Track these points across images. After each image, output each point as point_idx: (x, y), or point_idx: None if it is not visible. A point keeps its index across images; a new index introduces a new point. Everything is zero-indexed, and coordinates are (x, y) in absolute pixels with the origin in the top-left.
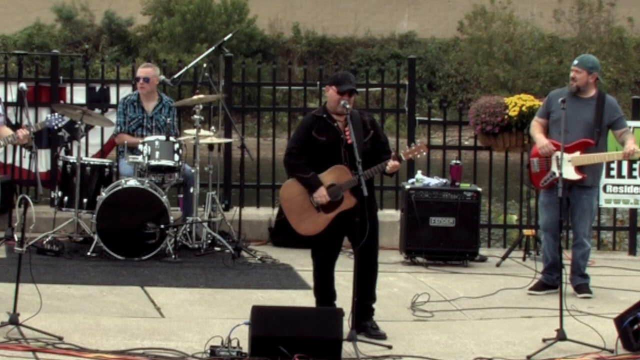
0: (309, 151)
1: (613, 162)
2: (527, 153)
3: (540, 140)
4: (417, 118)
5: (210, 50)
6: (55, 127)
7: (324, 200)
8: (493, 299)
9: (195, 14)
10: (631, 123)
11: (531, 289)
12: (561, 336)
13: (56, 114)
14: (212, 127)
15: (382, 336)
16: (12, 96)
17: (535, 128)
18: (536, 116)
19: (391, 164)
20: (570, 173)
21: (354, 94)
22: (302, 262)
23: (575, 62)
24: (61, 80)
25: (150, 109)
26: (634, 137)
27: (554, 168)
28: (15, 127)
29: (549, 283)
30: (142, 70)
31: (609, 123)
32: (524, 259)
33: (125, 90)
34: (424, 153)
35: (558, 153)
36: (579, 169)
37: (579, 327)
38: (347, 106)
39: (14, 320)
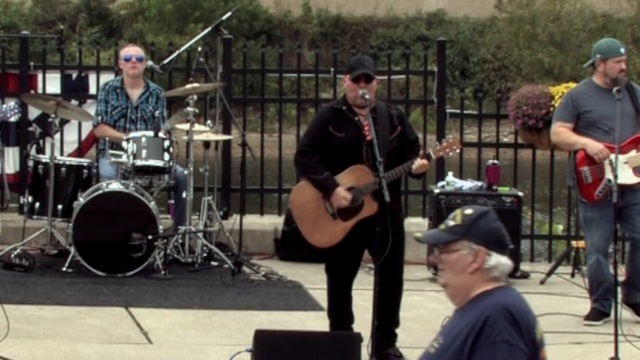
0: (325, 149)
1: None
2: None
3: (592, 144)
4: (448, 110)
5: (206, 31)
6: (10, 120)
7: (345, 202)
8: None
9: None
10: None
11: (587, 318)
12: None
13: (12, 103)
14: (209, 122)
15: None
16: None
17: (570, 134)
18: (558, 122)
19: (418, 163)
20: (628, 177)
21: (372, 80)
22: (313, 279)
23: (622, 50)
24: (32, 66)
25: (135, 97)
26: None
27: (609, 174)
28: None
29: (606, 311)
30: (132, 49)
31: None
32: (572, 275)
33: (107, 78)
34: (457, 151)
35: (612, 157)
36: (637, 170)
37: (636, 354)
38: (366, 96)
39: None
